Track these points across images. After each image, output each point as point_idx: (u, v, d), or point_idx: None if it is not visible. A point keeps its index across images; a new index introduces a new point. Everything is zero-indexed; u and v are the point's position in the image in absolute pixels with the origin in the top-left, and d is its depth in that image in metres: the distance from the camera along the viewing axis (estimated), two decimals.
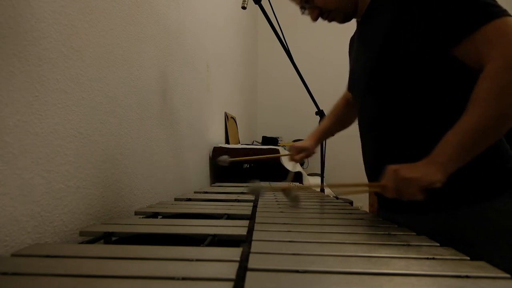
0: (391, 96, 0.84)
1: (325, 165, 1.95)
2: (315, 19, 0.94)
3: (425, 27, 0.75)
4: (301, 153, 1.29)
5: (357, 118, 1.32)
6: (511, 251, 0.75)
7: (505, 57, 0.66)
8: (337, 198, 1.62)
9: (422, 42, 0.76)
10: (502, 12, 0.68)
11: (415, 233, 0.65)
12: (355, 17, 0.95)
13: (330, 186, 1.32)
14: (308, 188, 1.57)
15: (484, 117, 0.66)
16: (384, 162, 0.80)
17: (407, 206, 0.86)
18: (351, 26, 1.03)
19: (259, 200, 1.09)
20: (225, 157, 1.48)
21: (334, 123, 1.32)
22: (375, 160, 0.93)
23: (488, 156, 0.78)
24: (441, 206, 0.80)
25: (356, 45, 0.98)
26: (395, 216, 0.84)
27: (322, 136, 1.33)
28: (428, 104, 0.79)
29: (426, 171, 0.68)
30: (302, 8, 0.95)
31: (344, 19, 0.94)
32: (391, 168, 0.72)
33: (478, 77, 0.69)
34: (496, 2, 0.70)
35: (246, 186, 0.91)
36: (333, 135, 1.37)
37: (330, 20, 0.94)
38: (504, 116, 0.66)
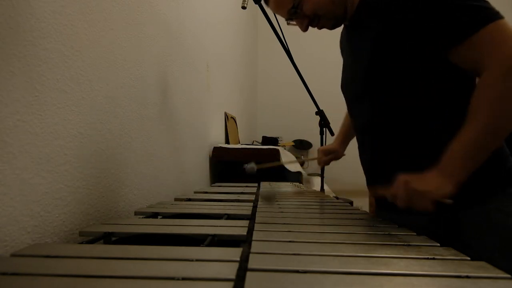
0: (382, 101, 0.84)
1: (325, 166, 1.95)
2: (305, 29, 0.91)
3: (417, 32, 0.74)
4: (328, 156, 1.28)
5: None
6: (511, 251, 0.75)
7: (500, 65, 0.66)
8: (337, 198, 1.62)
9: (414, 47, 0.75)
10: (494, 15, 0.68)
11: (415, 233, 0.65)
12: (344, 22, 0.94)
13: (335, 191, 1.30)
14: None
15: (484, 126, 0.68)
16: (378, 163, 0.80)
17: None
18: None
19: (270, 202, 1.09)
20: (252, 165, 1.24)
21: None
22: (370, 161, 0.93)
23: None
24: (440, 207, 0.80)
25: (346, 49, 0.98)
26: (393, 216, 0.84)
27: (346, 138, 1.32)
28: (420, 107, 0.79)
29: (438, 184, 0.69)
30: (289, 19, 0.91)
31: (334, 25, 0.92)
32: (402, 178, 0.72)
33: (473, 82, 0.70)
34: (487, 3, 0.70)
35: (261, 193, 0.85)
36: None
37: (320, 27, 0.92)
38: (503, 122, 0.67)
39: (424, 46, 0.74)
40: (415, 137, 0.81)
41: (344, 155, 1.32)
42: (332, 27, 0.92)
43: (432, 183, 0.69)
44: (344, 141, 1.31)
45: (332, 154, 1.29)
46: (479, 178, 0.78)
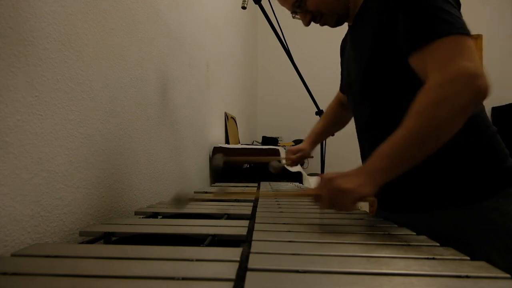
0: (383, 101, 0.85)
1: (325, 165, 1.95)
2: (307, 24, 0.93)
3: (396, 34, 0.75)
4: (296, 154, 1.30)
5: (352, 119, 1.34)
6: (509, 250, 0.75)
7: (444, 73, 0.66)
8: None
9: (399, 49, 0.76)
10: (458, 29, 0.68)
11: (415, 233, 0.65)
12: (347, 21, 0.95)
13: (264, 195, 1.26)
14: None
15: (417, 130, 0.66)
16: None
17: (406, 206, 0.86)
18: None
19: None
20: (219, 156, 1.33)
21: (329, 125, 1.33)
22: None
23: (485, 156, 0.79)
24: (439, 206, 0.81)
25: (349, 48, 0.98)
26: (394, 215, 0.85)
27: (317, 138, 1.35)
28: None
29: (359, 183, 0.66)
30: (294, 13, 0.93)
31: (336, 23, 0.93)
32: (325, 176, 0.69)
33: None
34: (457, 18, 0.69)
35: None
36: (328, 136, 1.38)
37: (322, 24, 0.93)
38: (437, 130, 0.65)
39: (399, 49, 0.75)
40: None
41: (311, 156, 1.34)
42: (334, 24, 0.94)
43: (354, 182, 0.66)
44: (314, 141, 1.33)
45: (300, 153, 1.30)
46: (477, 177, 0.78)
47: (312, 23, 0.94)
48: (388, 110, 0.84)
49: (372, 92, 0.87)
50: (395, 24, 0.75)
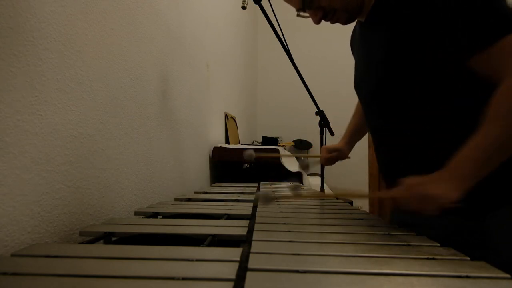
0: (395, 102, 0.82)
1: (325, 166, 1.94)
2: (318, 21, 0.86)
3: (437, 35, 0.72)
4: (331, 153, 1.22)
5: None
6: None
7: None
8: (337, 198, 1.62)
9: (432, 51, 0.73)
10: None
11: (415, 233, 0.65)
12: (358, 17, 0.91)
13: (342, 194, 1.23)
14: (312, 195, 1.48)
15: (501, 134, 0.64)
16: (393, 160, 0.78)
17: None
18: (352, 25, 1.01)
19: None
20: (250, 152, 1.26)
21: (362, 121, 1.21)
22: (385, 158, 0.92)
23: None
24: (464, 210, 0.78)
25: (360, 49, 0.95)
26: (410, 217, 0.82)
27: (354, 136, 1.26)
28: (433, 109, 0.77)
29: (445, 189, 0.65)
30: (302, 10, 0.87)
31: (348, 19, 0.88)
32: (409, 181, 0.68)
33: (493, 90, 0.67)
34: None
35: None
36: (364, 134, 1.27)
37: (333, 21, 0.88)
38: None
39: (443, 50, 0.72)
40: (429, 137, 0.79)
41: (349, 157, 1.25)
42: (346, 21, 0.88)
43: (442, 187, 0.65)
44: (349, 142, 1.25)
45: (336, 153, 1.22)
46: (504, 181, 0.75)
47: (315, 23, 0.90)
48: (398, 113, 0.83)
49: (385, 98, 0.84)
50: (425, 27, 0.72)
